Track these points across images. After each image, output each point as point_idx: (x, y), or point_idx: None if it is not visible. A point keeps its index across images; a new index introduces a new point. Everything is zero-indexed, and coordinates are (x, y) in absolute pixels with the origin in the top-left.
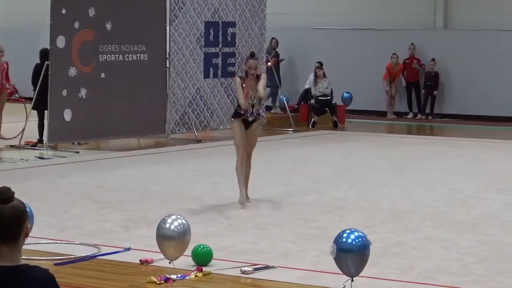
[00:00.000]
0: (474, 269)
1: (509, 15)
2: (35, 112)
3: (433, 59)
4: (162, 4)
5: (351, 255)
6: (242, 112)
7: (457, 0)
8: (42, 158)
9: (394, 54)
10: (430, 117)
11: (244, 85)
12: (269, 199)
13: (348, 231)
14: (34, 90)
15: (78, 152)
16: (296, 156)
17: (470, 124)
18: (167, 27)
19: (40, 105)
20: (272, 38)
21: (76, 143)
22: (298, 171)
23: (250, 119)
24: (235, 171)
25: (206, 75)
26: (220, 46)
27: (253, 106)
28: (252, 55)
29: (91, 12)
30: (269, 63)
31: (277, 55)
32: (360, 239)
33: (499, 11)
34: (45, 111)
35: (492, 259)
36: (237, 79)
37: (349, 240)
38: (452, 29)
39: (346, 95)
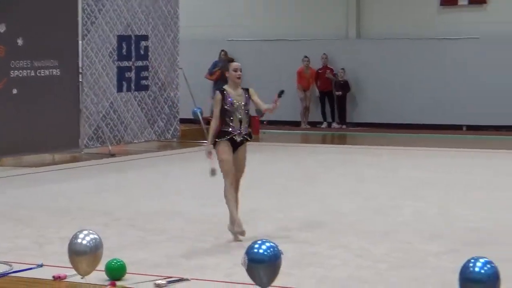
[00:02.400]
0: (388, 276)
1: (420, 24)
2: None
3: (342, 69)
4: (74, 19)
5: (263, 265)
6: (230, 130)
7: (369, 10)
8: None
9: (305, 57)
10: (343, 126)
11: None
12: (184, 212)
13: (259, 242)
14: None
15: None
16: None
17: (383, 132)
18: (80, 42)
19: None
20: (222, 51)
21: None
22: (213, 183)
23: (238, 139)
24: (225, 199)
25: (120, 89)
26: (133, 59)
27: (241, 122)
28: (232, 60)
29: (2, 28)
30: None
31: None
32: (271, 249)
33: (410, 21)
34: None
35: (406, 266)
36: (218, 96)
37: (260, 251)
38: (364, 38)
39: None
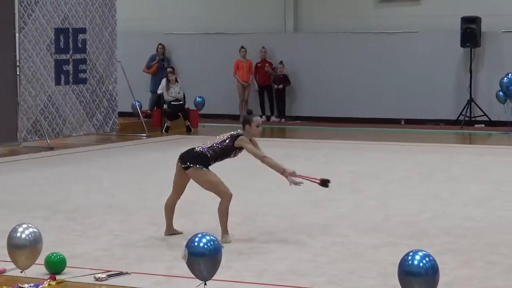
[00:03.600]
0: (327, 269)
1: (358, 18)
2: None
3: (281, 62)
4: (11, 11)
5: (203, 259)
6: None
7: (307, 3)
8: None
9: (242, 47)
10: (282, 120)
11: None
12: (122, 205)
13: (199, 235)
14: None
15: None
16: (150, 161)
17: (322, 126)
18: (17, 34)
19: None
20: (159, 44)
21: None
22: (152, 176)
23: None
24: (226, 212)
25: (58, 82)
26: (71, 52)
27: None
28: (251, 112)
29: None
30: None
31: (163, 60)
32: (211, 243)
33: (348, 14)
34: None
35: (345, 259)
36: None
37: (201, 244)
38: (302, 32)
39: (198, 99)
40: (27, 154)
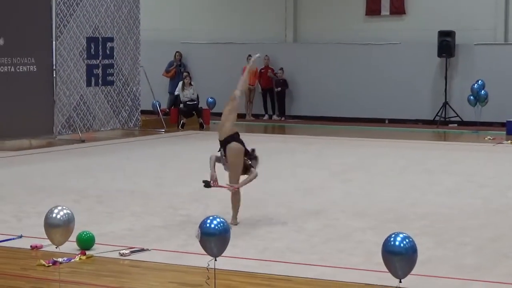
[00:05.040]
0: (320, 248)
1: (348, 31)
2: None
3: (281, 68)
4: (49, 22)
5: (214, 238)
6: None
7: (304, 18)
8: None
9: (249, 55)
10: (282, 118)
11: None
12: (143, 190)
13: (211, 218)
14: None
15: None
16: (168, 153)
17: (316, 124)
18: (54, 42)
19: None
20: (176, 52)
21: None
22: (169, 166)
23: None
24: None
25: (89, 84)
26: (100, 58)
27: None
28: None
29: None
30: None
31: (180, 66)
32: (221, 224)
33: (340, 28)
34: None
35: (335, 239)
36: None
37: (212, 225)
38: (300, 42)
39: (210, 100)
40: (61, 146)
